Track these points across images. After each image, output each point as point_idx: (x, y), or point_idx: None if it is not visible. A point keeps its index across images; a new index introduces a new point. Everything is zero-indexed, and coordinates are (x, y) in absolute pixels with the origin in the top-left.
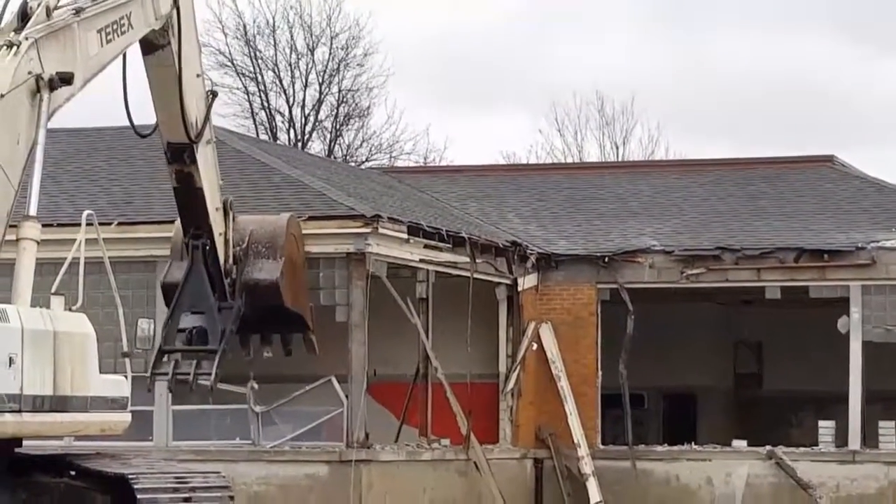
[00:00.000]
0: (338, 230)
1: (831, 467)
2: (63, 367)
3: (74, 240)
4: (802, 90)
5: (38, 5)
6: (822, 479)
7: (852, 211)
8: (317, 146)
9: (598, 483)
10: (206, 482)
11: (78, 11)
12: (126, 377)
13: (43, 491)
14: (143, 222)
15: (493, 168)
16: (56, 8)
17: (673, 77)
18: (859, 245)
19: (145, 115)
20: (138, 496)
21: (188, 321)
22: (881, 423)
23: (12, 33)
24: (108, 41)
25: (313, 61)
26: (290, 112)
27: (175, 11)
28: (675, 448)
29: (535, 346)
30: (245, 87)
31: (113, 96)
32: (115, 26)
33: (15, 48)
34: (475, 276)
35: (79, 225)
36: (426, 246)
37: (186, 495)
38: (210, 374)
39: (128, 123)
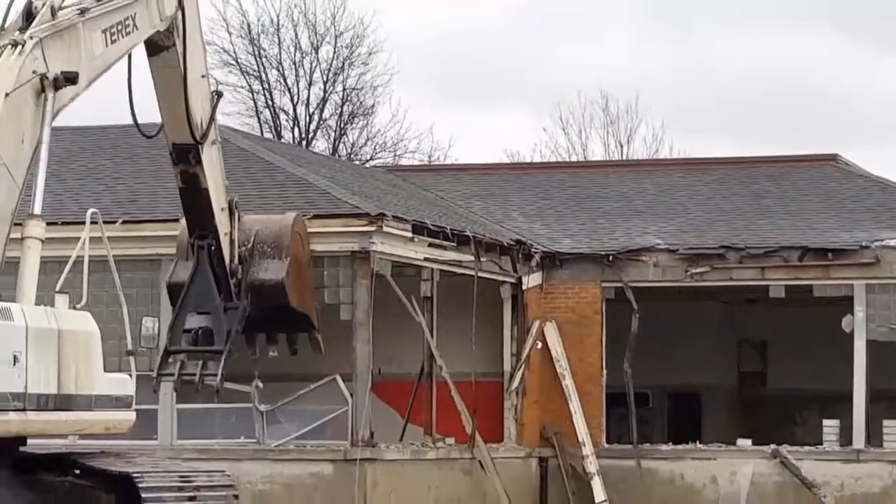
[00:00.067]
0: (342, 228)
1: (836, 466)
2: (67, 365)
3: (79, 238)
4: (802, 90)
5: (43, 5)
6: (827, 478)
7: (856, 210)
8: (321, 145)
9: (603, 482)
10: (210, 481)
11: (83, 11)
12: (130, 376)
13: (47, 489)
14: (147, 221)
15: (497, 167)
16: (61, 8)
17: (673, 77)
18: (863, 244)
19: (150, 114)
20: (143, 495)
21: (194, 322)
22: (885, 422)
23: (17, 32)
24: (113, 41)
25: (318, 60)
26: (295, 110)
27: (180, 13)
28: (680, 447)
29: (539, 345)
30: (249, 86)
31: (117, 95)
32: (119, 27)
33: (20, 47)
34: (480, 274)
35: (83, 223)
36: (430, 244)
37: (191, 494)
38: (216, 374)
39: (131, 121)
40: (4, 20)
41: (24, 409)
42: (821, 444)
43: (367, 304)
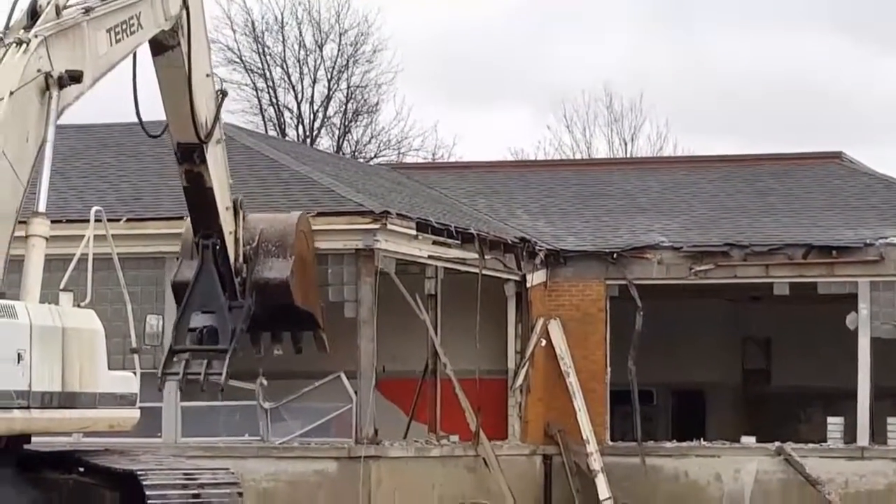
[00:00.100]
0: (346, 226)
1: (840, 463)
2: (71, 363)
3: (83, 236)
4: (803, 90)
5: (48, 4)
6: (831, 475)
7: (860, 207)
8: (325, 142)
9: (607, 479)
10: (214, 479)
11: (87, 10)
12: (135, 373)
13: (52, 487)
14: (151, 218)
15: (501, 164)
16: (66, 7)
17: (673, 77)
18: (867, 241)
19: (154, 112)
20: (147, 493)
21: (199, 320)
22: (889, 420)
23: (22, 31)
24: (118, 41)
25: (322, 57)
26: (299, 108)
27: (185, 12)
28: (684, 444)
29: (543, 343)
30: (254, 84)
31: (121, 92)
32: (124, 26)
33: (24, 46)
34: (484, 272)
35: (87, 221)
36: (435, 242)
37: (195, 492)
38: (221, 373)
39: (135, 119)
40: (9, 19)
41: (28, 407)
42: (825, 441)
43: (372, 301)
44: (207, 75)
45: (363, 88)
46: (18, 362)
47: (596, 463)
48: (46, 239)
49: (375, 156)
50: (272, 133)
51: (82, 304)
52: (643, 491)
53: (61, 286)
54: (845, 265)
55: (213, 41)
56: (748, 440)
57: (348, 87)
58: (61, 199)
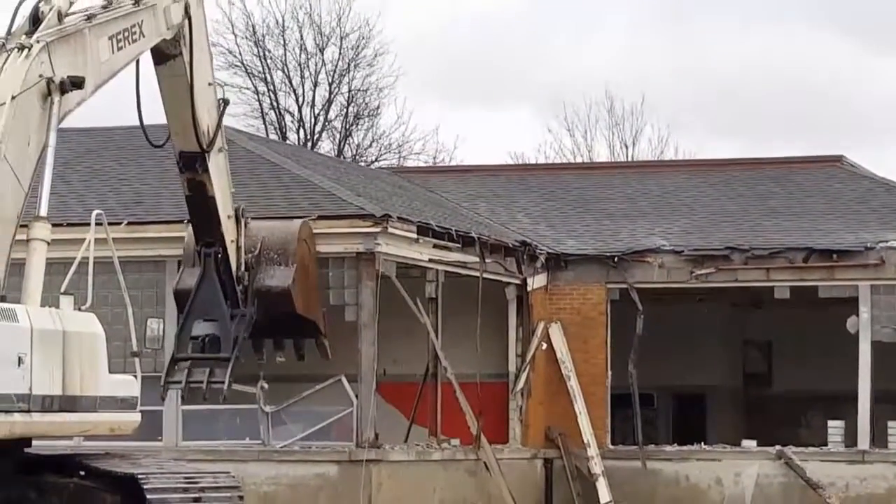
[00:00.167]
0: (347, 230)
1: (840, 467)
2: (72, 366)
3: (84, 239)
4: (803, 90)
5: (50, 10)
6: (832, 479)
7: (861, 211)
8: (326, 146)
9: (608, 483)
10: (215, 482)
11: (89, 17)
12: (135, 377)
13: (52, 491)
14: (152, 222)
15: (502, 168)
16: (68, 14)
17: (673, 77)
18: (868, 245)
19: (154, 116)
20: (148, 496)
21: (201, 329)
22: (890, 423)
23: (24, 36)
24: (120, 48)
25: (323, 61)
26: (300, 112)
27: (186, 21)
28: (685, 448)
29: (544, 346)
30: (255, 87)
31: (121, 96)
32: (126, 34)
33: (26, 51)
34: (485, 275)
35: (88, 224)
36: (436, 246)
37: (196, 495)
38: (223, 381)
39: (136, 123)
40: (11, 24)
41: (28, 411)
42: (826, 445)
43: (373, 305)
44: (210, 84)
45: (364, 92)
46: (19, 366)
47: (597, 466)
48: (48, 243)
49: (376, 159)
50: (273, 137)
51: (83, 307)
52: (644, 494)
53: (62, 290)
54: (846, 269)
55: (214, 44)
56: (749, 444)
57: (349, 91)
58: (62, 202)
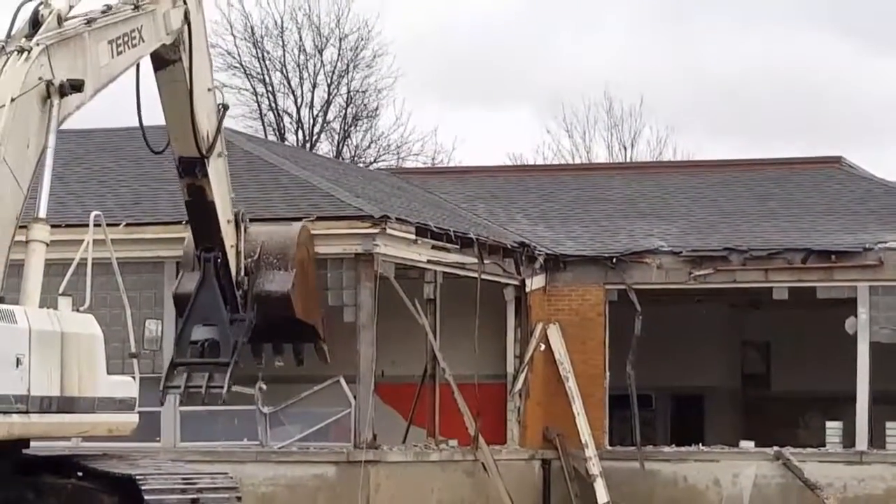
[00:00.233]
0: (346, 231)
1: (839, 468)
2: (70, 368)
3: (82, 240)
4: (803, 91)
5: (50, 13)
6: (830, 479)
7: (860, 212)
8: (325, 147)
9: (606, 484)
10: (213, 483)
11: (89, 21)
12: (133, 378)
13: (50, 492)
14: (150, 223)
15: (501, 169)
16: (67, 18)
17: (673, 77)
18: (867, 246)
19: (154, 117)
20: (146, 497)
21: (200, 333)
22: (888, 424)
23: (23, 39)
24: (119, 53)
25: (322, 62)
26: (299, 113)
27: (186, 27)
28: (683, 449)
29: (542, 347)
30: (253, 89)
31: (119, 97)
32: (125, 38)
33: (26, 53)
34: (483, 276)
35: (87, 226)
36: (434, 247)
37: (194, 496)
38: (222, 386)
39: (135, 124)
40: (11, 27)
41: (27, 412)
42: (824, 445)
43: (371, 306)
44: (209, 89)
45: (363, 93)
46: (17, 367)
47: (595, 467)
48: (47, 244)
49: (375, 160)
50: (272, 138)
51: (81, 308)
52: (642, 495)
53: (60, 291)
54: (844, 270)
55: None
56: (747, 445)
57: (348, 92)
58: (60, 203)
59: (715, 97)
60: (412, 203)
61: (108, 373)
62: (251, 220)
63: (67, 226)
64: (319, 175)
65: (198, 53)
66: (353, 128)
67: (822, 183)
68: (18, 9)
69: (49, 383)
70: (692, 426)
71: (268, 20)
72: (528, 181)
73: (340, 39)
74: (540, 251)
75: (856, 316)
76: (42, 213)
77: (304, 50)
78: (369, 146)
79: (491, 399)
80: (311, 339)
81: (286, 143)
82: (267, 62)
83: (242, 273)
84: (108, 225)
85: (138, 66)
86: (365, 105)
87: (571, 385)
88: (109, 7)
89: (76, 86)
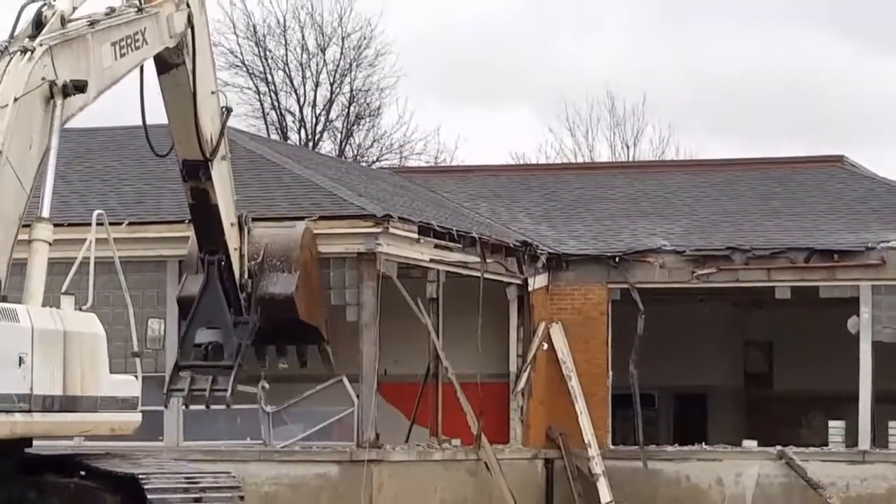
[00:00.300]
0: (348, 230)
1: (841, 467)
2: (73, 367)
3: (85, 239)
4: (803, 90)
5: (53, 14)
6: (832, 479)
7: (862, 211)
8: (327, 146)
9: (609, 483)
10: (216, 482)
11: (93, 23)
12: (136, 377)
13: (53, 491)
14: (153, 222)
15: (503, 168)
16: (71, 19)
17: (673, 77)
18: (869, 245)
19: (156, 117)
20: (148, 496)
21: (204, 336)
22: (891, 423)
23: (27, 40)
24: (122, 55)
25: (324, 61)
26: (301, 112)
27: (189, 30)
28: (686, 448)
29: (545, 346)
30: (256, 87)
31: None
32: (129, 41)
33: (29, 54)
34: (486, 276)
35: (89, 224)
36: (437, 246)
37: (197, 495)
38: (226, 389)
39: (138, 122)
40: (14, 28)
41: (29, 411)
42: (826, 445)
43: (374, 305)
44: (213, 92)
45: (366, 92)
46: (20, 366)
47: (597, 467)
48: (50, 244)
49: (378, 159)
50: (274, 137)
51: (84, 307)
52: (645, 495)
53: (63, 290)
54: (847, 269)
55: (216, 44)
56: (750, 444)
57: (351, 91)
58: (63, 202)
59: (715, 97)
60: (415, 202)
61: (111, 372)
62: (254, 219)
63: (70, 225)
64: (322, 174)
65: (201, 57)
66: (355, 127)
67: (824, 182)
68: (22, 9)
69: (52, 382)
70: (695, 425)
71: (270, 19)
72: (530, 180)
73: (343, 38)
74: (542, 250)
75: (858, 315)
76: (45, 213)
77: (307, 49)
78: (372, 145)
79: (494, 398)
80: (315, 341)
81: (289, 142)
82: (269, 61)
83: (246, 276)
84: (110, 224)
85: (142, 68)
86: (367, 104)
87: (574, 384)
88: (113, 9)
89: (79, 86)
